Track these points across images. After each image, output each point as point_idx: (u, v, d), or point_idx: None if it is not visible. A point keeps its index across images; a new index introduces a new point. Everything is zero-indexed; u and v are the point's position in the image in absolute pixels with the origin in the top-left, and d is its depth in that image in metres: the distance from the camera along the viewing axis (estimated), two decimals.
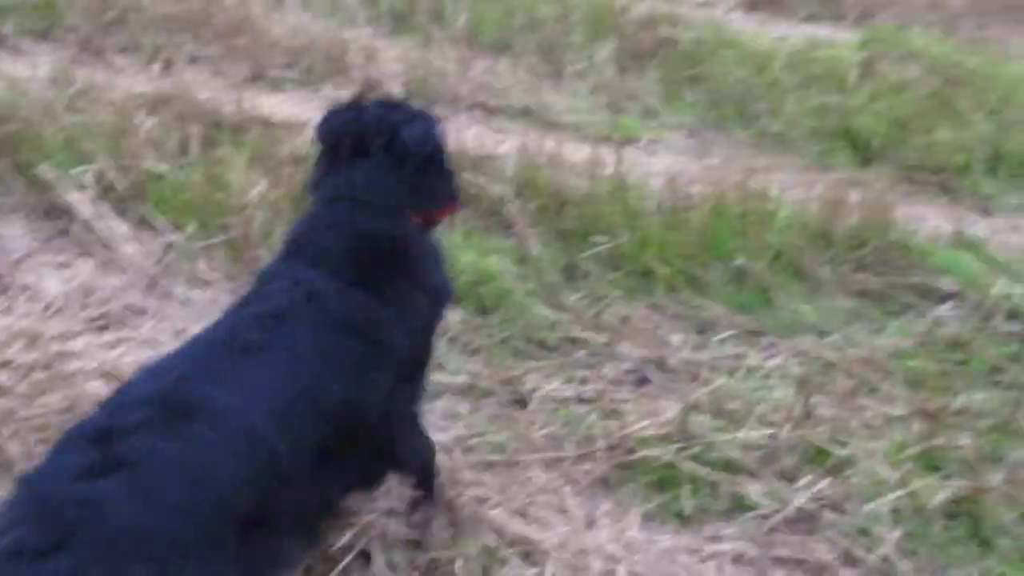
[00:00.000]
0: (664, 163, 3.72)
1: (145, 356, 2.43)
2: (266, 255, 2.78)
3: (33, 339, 2.45)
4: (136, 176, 3.08)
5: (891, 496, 2.15)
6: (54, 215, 3.07)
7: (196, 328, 2.56)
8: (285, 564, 1.50)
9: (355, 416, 1.58)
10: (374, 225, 1.76)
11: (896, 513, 2.13)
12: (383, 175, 1.79)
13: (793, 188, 3.66)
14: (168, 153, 3.20)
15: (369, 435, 1.65)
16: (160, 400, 1.35)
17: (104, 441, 1.27)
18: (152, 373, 1.48)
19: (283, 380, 1.49)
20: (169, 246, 2.87)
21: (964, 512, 2.15)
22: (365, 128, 1.81)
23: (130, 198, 3.03)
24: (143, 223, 2.97)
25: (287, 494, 1.41)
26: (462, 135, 3.54)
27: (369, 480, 1.83)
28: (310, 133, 3.53)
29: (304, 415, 1.47)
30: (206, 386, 1.40)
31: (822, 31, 5.83)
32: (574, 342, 2.64)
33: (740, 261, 2.97)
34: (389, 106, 1.92)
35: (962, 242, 3.45)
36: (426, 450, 1.93)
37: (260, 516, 1.35)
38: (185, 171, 3.10)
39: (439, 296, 1.85)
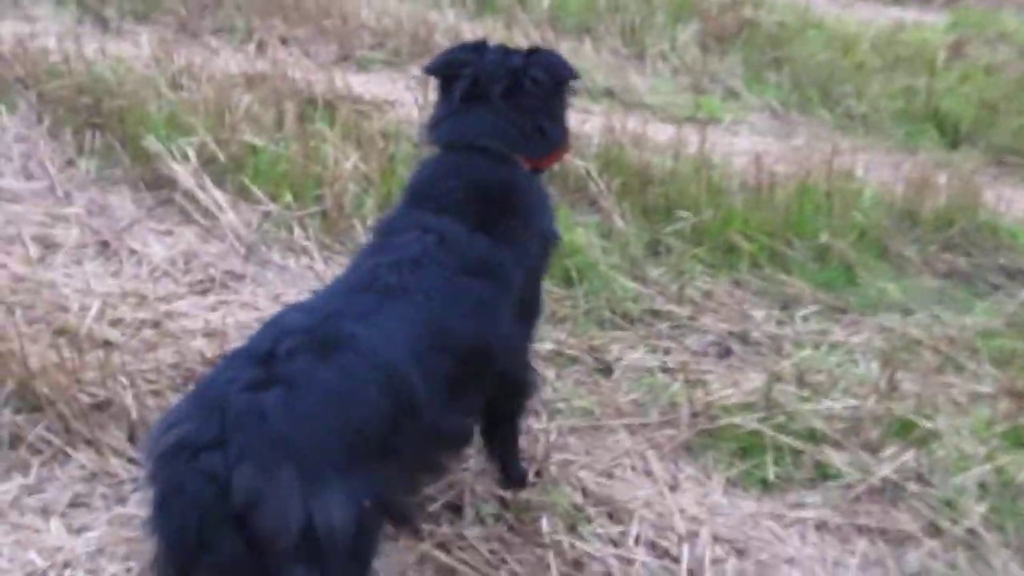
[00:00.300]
0: (748, 143, 3.72)
1: (245, 318, 2.56)
2: (358, 225, 2.89)
3: (141, 300, 2.58)
4: (235, 149, 3.21)
5: (977, 470, 2.15)
6: (158, 185, 3.21)
7: (292, 293, 2.70)
8: (411, 489, 1.62)
9: (484, 351, 1.68)
10: (493, 173, 1.83)
11: (982, 487, 2.13)
12: (501, 121, 1.84)
13: (879, 169, 3.65)
14: (265, 128, 3.31)
15: (494, 369, 1.74)
16: (314, 331, 1.46)
17: (267, 361, 1.39)
18: (303, 310, 1.59)
19: (421, 320, 1.58)
20: (266, 215, 2.99)
21: None
22: (485, 71, 1.86)
23: (229, 170, 3.16)
24: (242, 193, 3.08)
25: (421, 424, 1.50)
26: None
27: (489, 418, 1.92)
28: (398, 114, 3.68)
29: (440, 352, 1.57)
30: (354, 323, 1.50)
31: (909, 14, 5.74)
32: (657, 314, 2.68)
33: (824, 239, 2.97)
34: (509, 51, 1.98)
35: None
36: (537, 385, 2.01)
37: (395, 442, 1.45)
38: (281, 145, 3.21)
39: (549, 239, 1.93)
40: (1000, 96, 4.19)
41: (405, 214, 1.81)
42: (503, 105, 1.83)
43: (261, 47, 4.41)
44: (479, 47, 1.93)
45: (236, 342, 2.29)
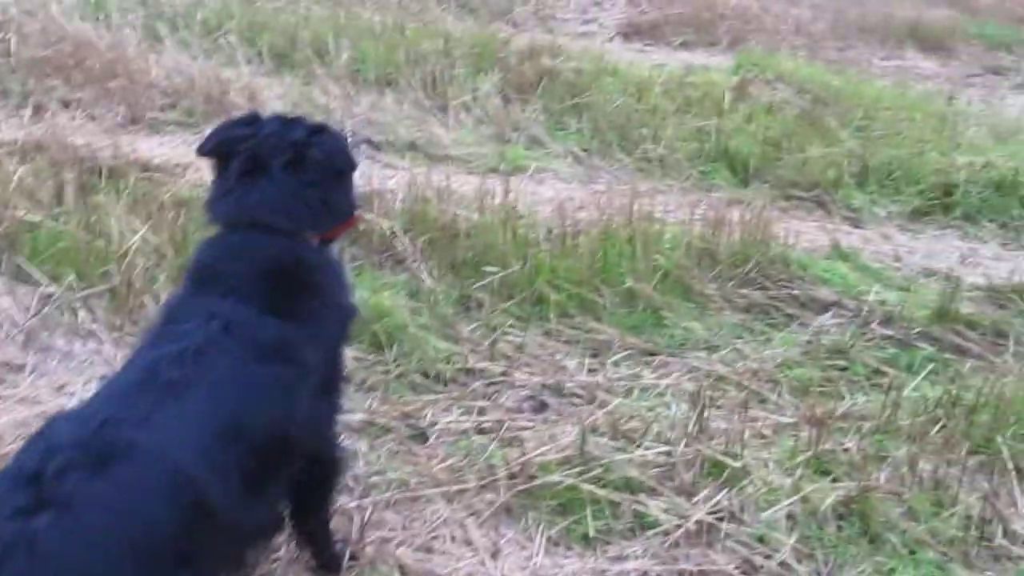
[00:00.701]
0: (552, 191, 3.78)
1: (25, 414, 2.33)
2: (150, 303, 2.71)
3: None
4: (9, 227, 2.96)
5: (785, 503, 2.22)
6: None
7: (79, 382, 2.50)
8: None
9: (283, 438, 1.59)
10: (279, 251, 1.75)
11: (791, 519, 2.20)
12: (284, 196, 1.76)
13: (677, 210, 3.78)
14: (42, 202, 3.07)
15: (297, 454, 1.65)
16: (87, 443, 1.34)
17: (34, 483, 1.27)
18: (75, 419, 1.45)
19: (210, 415, 1.49)
20: (47, 298, 2.76)
21: (854, 512, 2.23)
22: (264, 144, 1.78)
23: (3, 250, 2.90)
24: (18, 275, 2.84)
25: (219, 525, 1.41)
26: None
27: (297, 504, 1.82)
28: (192, 178, 3.50)
29: (234, 446, 1.48)
30: (133, 428, 1.39)
31: (697, 57, 6.05)
32: (471, 373, 2.65)
33: (630, 283, 3.03)
34: (287, 121, 1.89)
35: (838, 253, 3.61)
36: (346, 461, 1.94)
37: (192, 549, 1.35)
38: (61, 220, 2.98)
39: (346, 313, 1.87)
40: (782, 133, 4.45)
41: (187, 299, 1.70)
42: (285, 179, 1.75)
43: (39, 111, 4.13)
44: (253, 121, 1.85)
45: (12, 444, 2.08)
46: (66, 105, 4.21)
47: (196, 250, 1.85)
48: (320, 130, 1.86)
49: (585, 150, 4.20)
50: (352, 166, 1.89)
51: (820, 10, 7.87)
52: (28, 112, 4.09)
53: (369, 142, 3.91)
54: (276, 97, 4.25)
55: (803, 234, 3.72)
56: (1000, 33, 8.00)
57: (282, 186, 1.74)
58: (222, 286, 1.66)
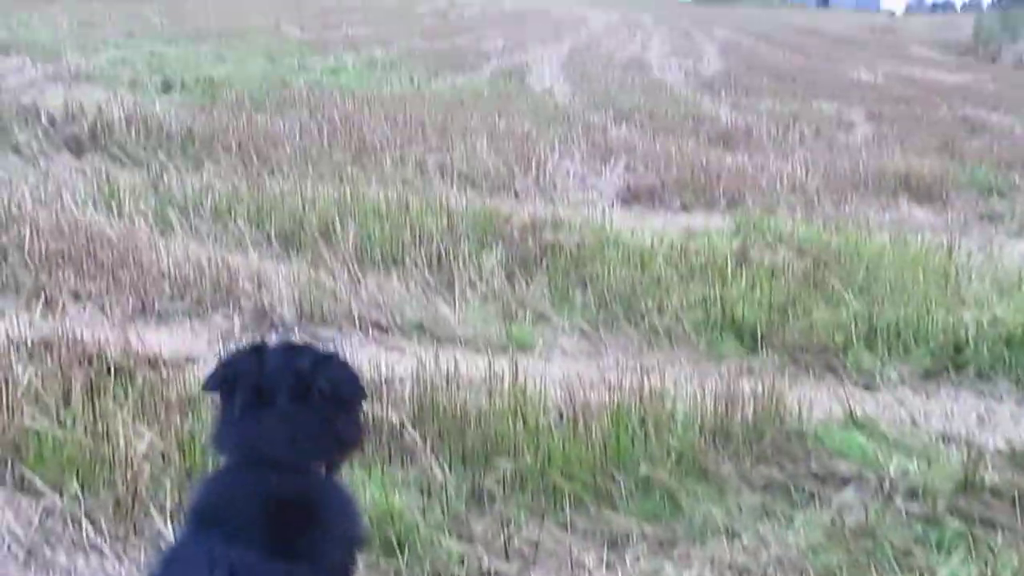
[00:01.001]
0: (560, 369, 3.76)
1: None
2: (155, 512, 2.65)
3: None
4: (13, 434, 2.93)
5: None
6: None
7: None
8: None
9: None
10: (287, 487, 1.71)
11: None
12: (290, 428, 1.73)
13: (687, 383, 3.75)
14: (48, 407, 3.05)
15: None
16: None
17: None
18: None
19: None
20: (49, 510, 2.70)
21: None
22: (270, 376, 1.77)
23: (6, 460, 2.87)
24: (21, 486, 2.79)
25: None
26: (357, 357, 3.53)
27: None
28: (200, 372, 3.50)
29: None
30: None
31: (696, 220, 6.17)
32: (486, 575, 2.56)
33: (644, 469, 2.97)
34: (293, 350, 1.88)
35: (853, 422, 3.56)
36: None
37: None
38: (66, 425, 2.96)
39: (355, 543, 1.85)
40: (787, 298, 4.47)
41: (190, 542, 1.65)
42: (291, 411, 1.73)
43: (50, 304, 4.17)
44: (259, 351, 1.84)
45: None
46: (76, 297, 4.25)
47: (200, 487, 1.81)
48: (326, 359, 1.85)
49: (591, 324, 4.21)
50: (361, 395, 1.88)
51: (813, 166, 8.09)
52: (39, 306, 4.12)
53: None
54: (284, 282, 4.30)
55: (816, 402, 3.67)
56: (990, 181, 8.19)
57: (288, 419, 1.72)
58: (226, 527, 1.62)
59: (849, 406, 3.64)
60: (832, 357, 4.17)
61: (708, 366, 3.96)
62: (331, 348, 1.96)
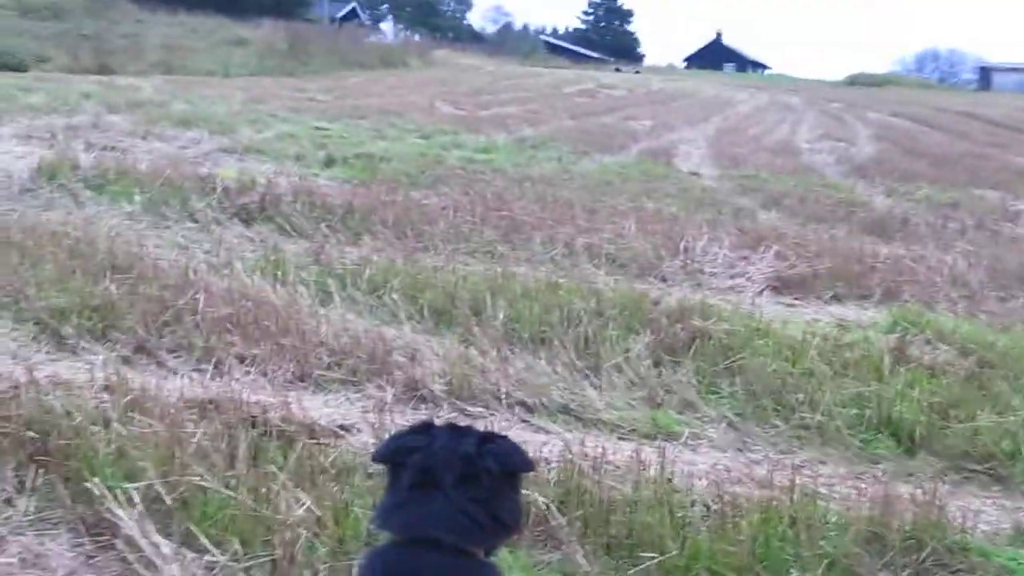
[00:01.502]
0: (707, 460, 3.70)
1: None
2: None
3: None
4: (184, 490, 3.11)
5: None
6: (99, 530, 3.06)
7: None
8: None
9: None
10: (448, 569, 1.75)
11: None
12: (455, 512, 1.76)
13: (840, 483, 3.62)
14: (216, 465, 3.23)
15: None
16: None
17: None
18: None
19: None
20: (211, 566, 2.84)
21: None
22: (436, 456, 1.82)
23: (176, 512, 3.04)
24: (187, 540, 2.95)
25: None
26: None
27: None
28: (354, 440, 3.63)
29: None
30: None
31: (849, 312, 5.99)
32: None
33: (795, 573, 2.87)
34: (457, 431, 1.93)
35: (1022, 539, 3.35)
36: None
37: None
38: (231, 485, 3.11)
39: None
40: (948, 400, 4.27)
41: None
42: (456, 494, 1.78)
43: (218, 366, 4.43)
44: (427, 430, 1.91)
45: None
46: (242, 361, 4.49)
47: (364, 562, 1.88)
48: (489, 439, 1.90)
49: (739, 415, 4.13)
50: (528, 468, 1.91)
51: (976, 258, 7.74)
52: (209, 368, 4.38)
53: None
54: (435, 357, 4.42)
55: (981, 515, 3.48)
56: None
57: (453, 503, 1.77)
58: None
59: (1018, 519, 3.43)
60: (998, 466, 3.94)
61: (862, 468, 3.81)
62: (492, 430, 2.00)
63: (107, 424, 3.53)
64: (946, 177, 14.45)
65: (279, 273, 5.66)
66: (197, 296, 4.94)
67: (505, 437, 1.96)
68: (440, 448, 1.83)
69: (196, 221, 7.31)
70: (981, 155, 19.30)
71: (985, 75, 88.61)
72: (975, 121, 31.95)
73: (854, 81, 79.17)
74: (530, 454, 3.47)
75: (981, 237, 9.25)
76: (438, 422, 1.97)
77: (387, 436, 1.97)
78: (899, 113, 33.39)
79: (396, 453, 1.87)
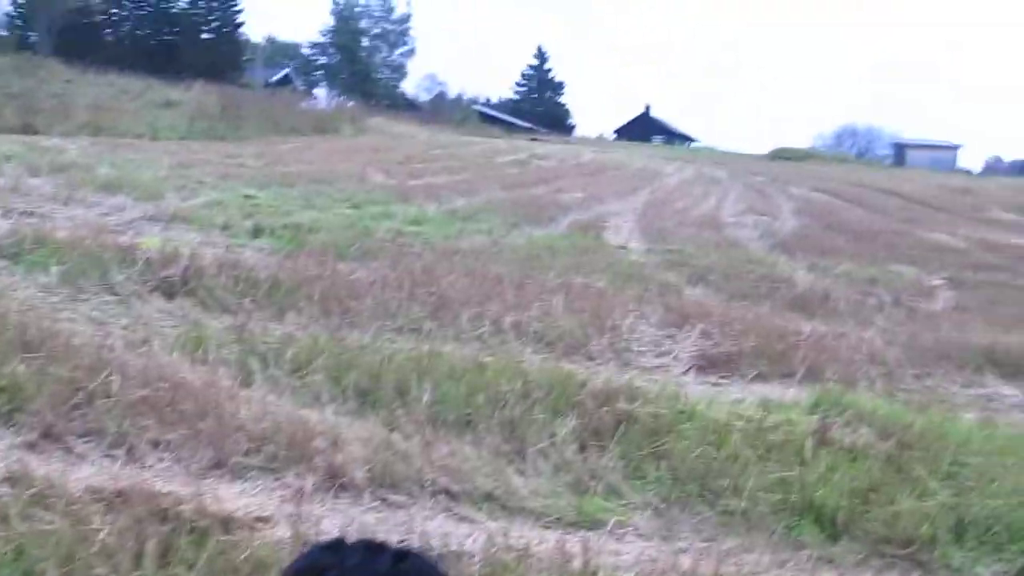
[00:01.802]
0: (633, 551, 3.66)
1: None
2: None
3: None
4: None
5: None
6: None
7: None
8: None
9: None
10: None
11: None
12: None
13: (763, 573, 3.61)
14: (121, 565, 3.07)
15: None
16: None
17: None
18: None
19: None
20: None
21: None
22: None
23: None
24: None
25: None
26: (426, 528, 3.51)
27: None
28: (271, 533, 3.50)
29: None
30: None
31: (773, 390, 6.06)
32: None
33: None
34: (372, 550, 1.85)
35: None
36: None
37: None
38: None
39: None
40: (869, 484, 4.32)
41: None
42: None
43: (131, 452, 4.26)
44: (339, 547, 1.83)
45: None
46: (156, 446, 4.33)
47: None
48: (403, 557, 1.83)
49: (665, 501, 4.12)
50: None
51: (894, 336, 7.95)
52: (121, 454, 4.21)
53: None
54: (358, 441, 4.32)
55: None
56: None
57: None
58: None
59: None
60: (919, 551, 3.98)
61: (787, 555, 3.81)
62: (409, 545, 1.93)
63: (6, 521, 3.35)
64: (865, 253, 14.93)
65: (199, 351, 5.51)
66: (111, 377, 4.76)
67: (420, 555, 1.89)
68: (352, 568, 1.76)
69: (115, 294, 7.10)
70: (897, 231, 20.03)
71: (900, 151, 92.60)
72: (892, 197, 33.24)
73: (777, 155, 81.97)
74: (453, 547, 3.41)
75: (898, 314, 9.53)
76: (350, 539, 1.90)
77: (301, 549, 1.89)
78: (820, 188, 34.54)
79: (307, 572, 1.79)
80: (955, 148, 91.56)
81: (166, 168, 18.31)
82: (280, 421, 4.46)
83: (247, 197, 14.33)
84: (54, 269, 7.43)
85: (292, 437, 4.30)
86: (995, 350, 7.60)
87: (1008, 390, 7.06)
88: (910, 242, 17.58)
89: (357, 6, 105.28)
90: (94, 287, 7.15)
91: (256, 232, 10.65)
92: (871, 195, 33.18)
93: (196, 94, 46.58)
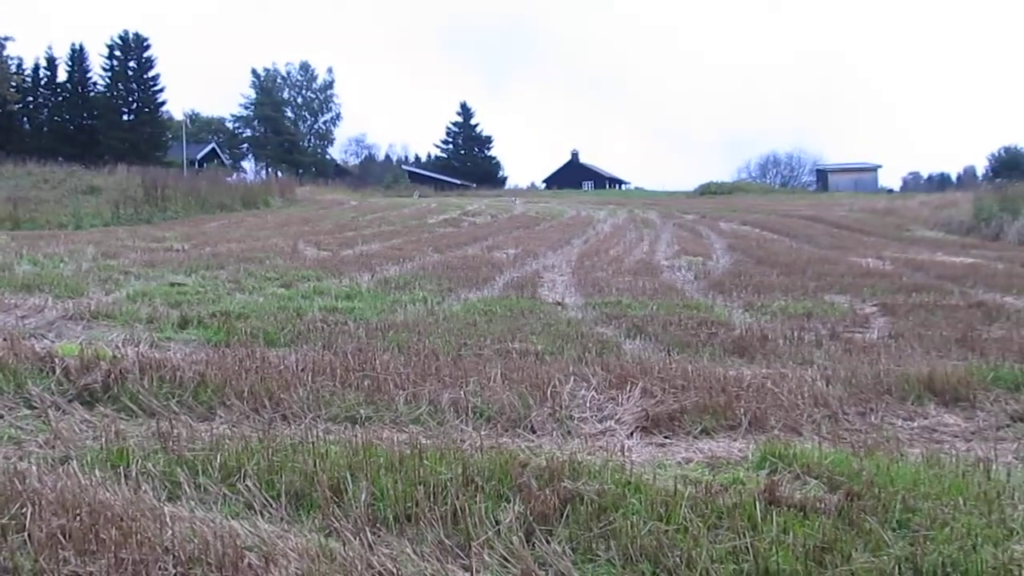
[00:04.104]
0: None
1: None
2: None
3: None
4: None
5: None
6: None
7: None
8: None
9: None
10: None
11: None
12: None
13: None
14: None
15: None
16: None
17: None
18: None
19: None
20: None
21: None
22: None
23: None
24: None
25: None
26: None
27: None
28: None
29: None
30: None
31: (720, 446, 5.97)
32: None
33: None
34: None
35: None
36: None
37: None
38: None
39: None
40: (822, 541, 4.22)
41: None
42: None
43: None
44: None
45: None
46: None
47: None
48: None
49: None
50: None
51: (834, 373, 7.96)
52: None
53: None
54: (294, 553, 4.10)
55: None
56: (1016, 375, 8.01)
57: None
58: None
59: None
60: None
61: None
62: None
63: None
64: (797, 285, 15.12)
65: (121, 468, 5.23)
66: (24, 509, 4.47)
67: None
68: None
69: (33, 407, 6.77)
70: (826, 259, 20.41)
71: (822, 176, 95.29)
72: (818, 224, 34.02)
73: (705, 190, 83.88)
74: None
75: (836, 348, 9.58)
76: None
77: None
78: (748, 221, 35.20)
79: None
80: (875, 168, 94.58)
81: (89, 259, 17.90)
82: (209, 539, 4.21)
83: (173, 285, 14.00)
84: None
85: (221, 557, 4.05)
86: (933, 379, 7.65)
87: (950, 418, 7.10)
88: (840, 270, 17.88)
89: (278, 77, 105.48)
90: (9, 402, 6.81)
91: (183, 323, 10.35)
92: (798, 224, 33.91)
93: (119, 178, 45.96)
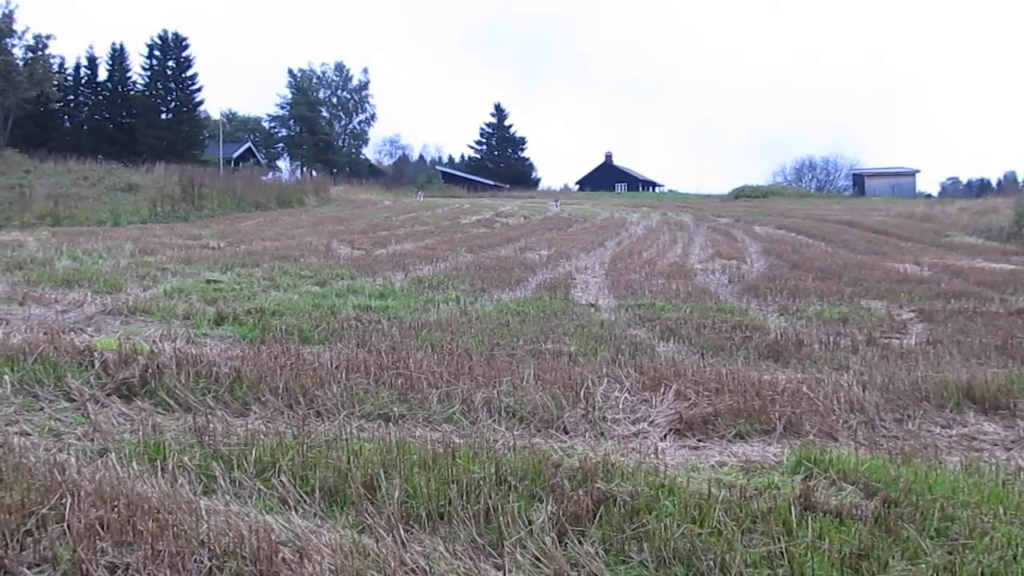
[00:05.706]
0: None
1: None
2: None
3: None
4: None
5: None
6: None
7: None
8: None
9: None
10: None
11: None
12: None
13: None
14: None
15: None
16: None
17: None
18: None
19: None
20: None
21: None
22: None
23: None
24: None
25: None
26: None
27: None
28: None
29: None
30: None
31: (754, 450, 5.92)
32: None
33: None
34: None
35: None
36: None
37: None
38: None
39: None
40: (858, 549, 4.17)
41: None
42: None
43: None
44: None
45: None
46: (113, 571, 4.10)
47: None
48: None
49: None
50: None
51: (870, 379, 7.86)
52: None
53: None
54: (327, 548, 4.12)
55: None
56: None
57: None
58: None
59: None
60: None
61: None
62: None
63: None
64: (834, 290, 14.95)
65: (159, 458, 5.29)
66: (64, 500, 4.54)
67: None
68: None
69: (72, 400, 6.87)
70: (863, 264, 20.16)
71: (859, 181, 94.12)
72: (854, 229, 33.61)
73: (739, 194, 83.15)
74: None
75: (872, 353, 9.46)
76: None
77: None
78: (784, 225, 34.88)
79: None
80: (913, 173, 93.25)
81: (127, 256, 18.13)
82: (243, 533, 4.25)
83: (209, 282, 14.14)
84: (7, 379, 7.19)
85: (256, 551, 4.09)
86: (972, 386, 7.53)
87: (989, 426, 6.98)
88: (877, 275, 17.66)
89: (314, 77, 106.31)
90: (49, 395, 6.92)
91: (219, 320, 10.45)
92: (834, 229, 33.54)
93: (157, 176, 46.51)
